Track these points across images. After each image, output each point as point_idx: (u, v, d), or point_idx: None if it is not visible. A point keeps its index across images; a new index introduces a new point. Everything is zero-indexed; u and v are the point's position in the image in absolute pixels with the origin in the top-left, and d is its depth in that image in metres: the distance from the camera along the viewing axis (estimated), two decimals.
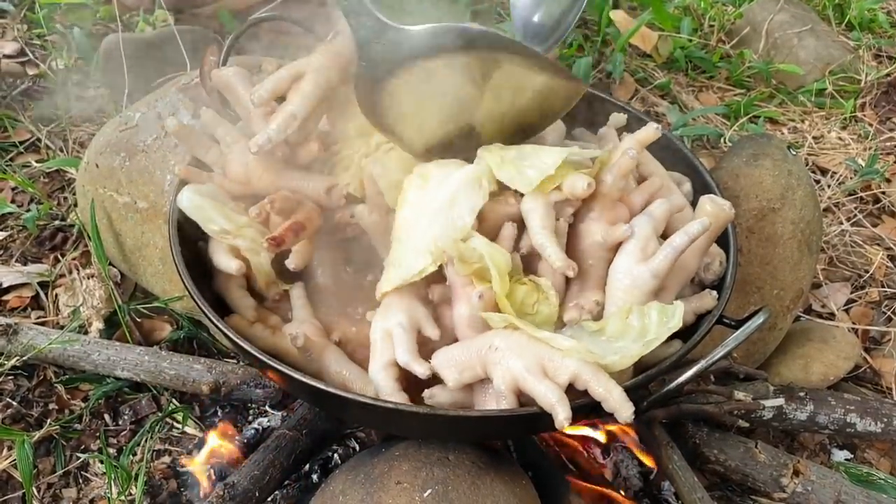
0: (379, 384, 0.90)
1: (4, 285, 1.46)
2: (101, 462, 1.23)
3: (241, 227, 1.03)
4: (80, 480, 1.23)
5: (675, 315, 0.89)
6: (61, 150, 1.78)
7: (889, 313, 1.67)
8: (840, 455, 1.42)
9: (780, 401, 1.30)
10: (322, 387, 0.87)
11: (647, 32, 2.30)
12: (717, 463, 1.27)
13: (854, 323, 1.64)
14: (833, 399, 1.33)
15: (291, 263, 1.03)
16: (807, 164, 2.04)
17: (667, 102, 2.16)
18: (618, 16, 2.31)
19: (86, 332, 1.37)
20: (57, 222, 1.60)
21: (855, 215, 1.91)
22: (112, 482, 1.18)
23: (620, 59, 2.15)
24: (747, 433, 1.35)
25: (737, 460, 1.25)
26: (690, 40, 2.36)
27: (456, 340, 0.94)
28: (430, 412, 0.89)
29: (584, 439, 1.28)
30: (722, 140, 2.05)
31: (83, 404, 1.31)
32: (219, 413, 1.32)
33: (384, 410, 0.88)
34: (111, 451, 1.26)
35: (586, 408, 0.90)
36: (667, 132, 1.29)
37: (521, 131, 1.05)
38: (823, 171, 2.05)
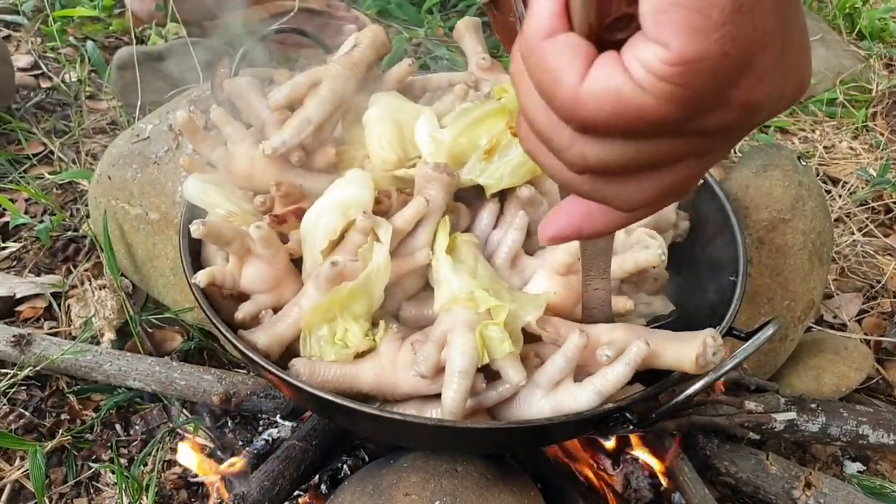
0: None
1: (18, 296, 1.47)
2: (113, 472, 1.24)
3: (246, 213, 1.04)
4: (92, 490, 1.24)
5: None
6: (74, 163, 1.79)
7: None
8: (853, 467, 1.41)
9: (792, 414, 1.29)
10: (331, 398, 0.87)
11: None
12: (728, 475, 1.26)
13: (866, 334, 1.63)
14: (845, 410, 1.33)
15: (290, 246, 1.04)
16: (818, 175, 2.04)
17: None
18: None
19: (98, 343, 1.38)
20: (70, 233, 1.62)
21: (866, 225, 1.90)
22: (123, 492, 1.19)
23: None
24: (758, 445, 1.34)
25: (748, 472, 1.25)
26: None
27: None
28: (437, 423, 0.89)
29: (594, 451, 1.27)
30: (731, 151, 2.04)
31: (95, 414, 1.32)
32: (229, 424, 1.33)
33: (393, 422, 0.88)
34: (122, 461, 1.26)
35: (594, 419, 0.90)
36: None
37: None
38: (835, 181, 2.04)
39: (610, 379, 0.88)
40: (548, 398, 0.91)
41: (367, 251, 0.96)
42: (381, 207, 1.00)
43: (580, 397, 0.89)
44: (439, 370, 0.90)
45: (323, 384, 0.92)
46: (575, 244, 0.93)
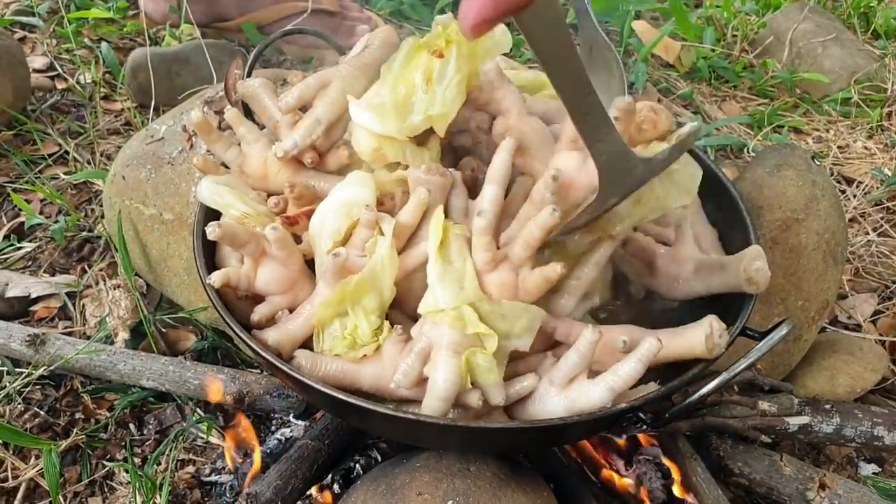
0: None
1: (33, 296, 1.48)
2: (127, 471, 1.24)
3: (260, 215, 1.04)
4: (106, 489, 1.24)
5: None
6: (89, 163, 1.80)
7: None
8: (868, 468, 1.40)
9: (805, 419, 1.28)
10: (343, 398, 0.87)
11: (670, 42, 2.30)
12: (741, 476, 1.26)
13: (881, 334, 1.62)
14: (860, 412, 1.32)
15: (304, 247, 1.05)
16: (832, 174, 2.03)
17: (690, 112, 2.15)
18: (640, 26, 2.31)
19: (112, 343, 1.38)
20: (84, 233, 1.63)
21: (881, 225, 1.89)
22: (137, 491, 1.19)
23: (643, 70, 2.15)
24: (772, 446, 1.34)
25: (762, 473, 1.24)
26: (713, 50, 2.35)
27: None
28: (450, 423, 0.89)
29: (607, 451, 1.27)
30: (745, 150, 2.04)
31: (109, 414, 1.33)
32: (242, 423, 1.33)
33: (406, 421, 0.88)
34: (136, 460, 1.27)
35: (607, 419, 0.90)
36: None
37: None
38: (849, 181, 2.03)
39: (622, 375, 0.88)
40: (561, 395, 0.91)
41: (373, 245, 0.96)
42: (385, 208, 1.00)
43: (592, 393, 0.89)
44: (421, 381, 0.90)
45: (324, 378, 0.92)
46: (483, 239, 0.92)
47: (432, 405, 0.88)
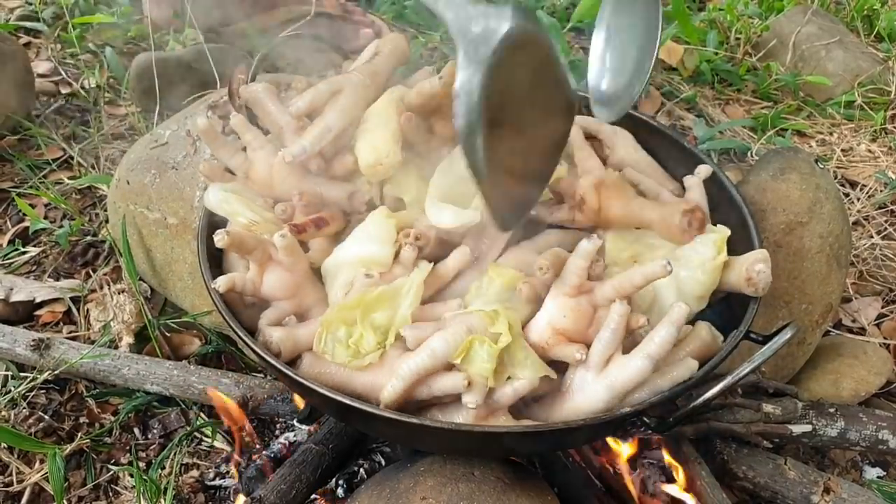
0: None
1: (37, 300, 1.48)
2: (131, 475, 1.25)
3: (268, 222, 1.04)
4: (110, 493, 1.24)
5: None
6: (93, 168, 1.81)
7: None
8: (872, 472, 1.39)
9: (807, 427, 1.28)
10: (348, 402, 0.87)
11: (673, 46, 2.30)
12: (745, 479, 1.25)
13: (886, 338, 1.62)
14: (864, 415, 1.32)
15: (311, 255, 1.05)
16: (835, 177, 2.02)
17: (693, 116, 2.15)
18: None
19: (116, 347, 1.39)
20: (88, 238, 1.63)
21: (885, 229, 1.88)
22: (141, 495, 1.20)
23: None
24: (777, 450, 1.33)
25: (766, 477, 1.24)
26: (716, 53, 2.35)
27: None
28: (454, 427, 0.89)
29: (611, 455, 1.27)
30: (749, 154, 2.03)
31: (113, 418, 1.33)
32: (246, 428, 1.33)
33: (410, 426, 0.88)
34: (141, 464, 1.27)
35: (612, 423, 0.90)
36: (692, 147, 1.29)
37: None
38: (853, 184, 2.03)
39: (657, 341, 0.88)
40: (600, 378, 0.90)
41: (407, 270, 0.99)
42: (420, 242, 1.02)
43: (631, 365, 0.88)
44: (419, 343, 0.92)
45: (324, 382, 0.92)
46: (581, 263, 0.92)
47: (420, 354, 0.90)
